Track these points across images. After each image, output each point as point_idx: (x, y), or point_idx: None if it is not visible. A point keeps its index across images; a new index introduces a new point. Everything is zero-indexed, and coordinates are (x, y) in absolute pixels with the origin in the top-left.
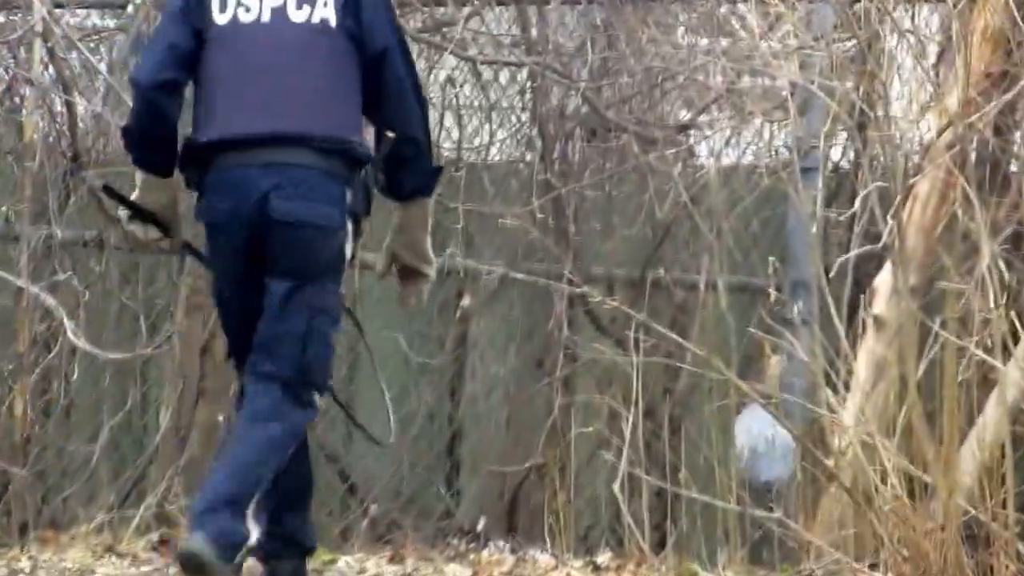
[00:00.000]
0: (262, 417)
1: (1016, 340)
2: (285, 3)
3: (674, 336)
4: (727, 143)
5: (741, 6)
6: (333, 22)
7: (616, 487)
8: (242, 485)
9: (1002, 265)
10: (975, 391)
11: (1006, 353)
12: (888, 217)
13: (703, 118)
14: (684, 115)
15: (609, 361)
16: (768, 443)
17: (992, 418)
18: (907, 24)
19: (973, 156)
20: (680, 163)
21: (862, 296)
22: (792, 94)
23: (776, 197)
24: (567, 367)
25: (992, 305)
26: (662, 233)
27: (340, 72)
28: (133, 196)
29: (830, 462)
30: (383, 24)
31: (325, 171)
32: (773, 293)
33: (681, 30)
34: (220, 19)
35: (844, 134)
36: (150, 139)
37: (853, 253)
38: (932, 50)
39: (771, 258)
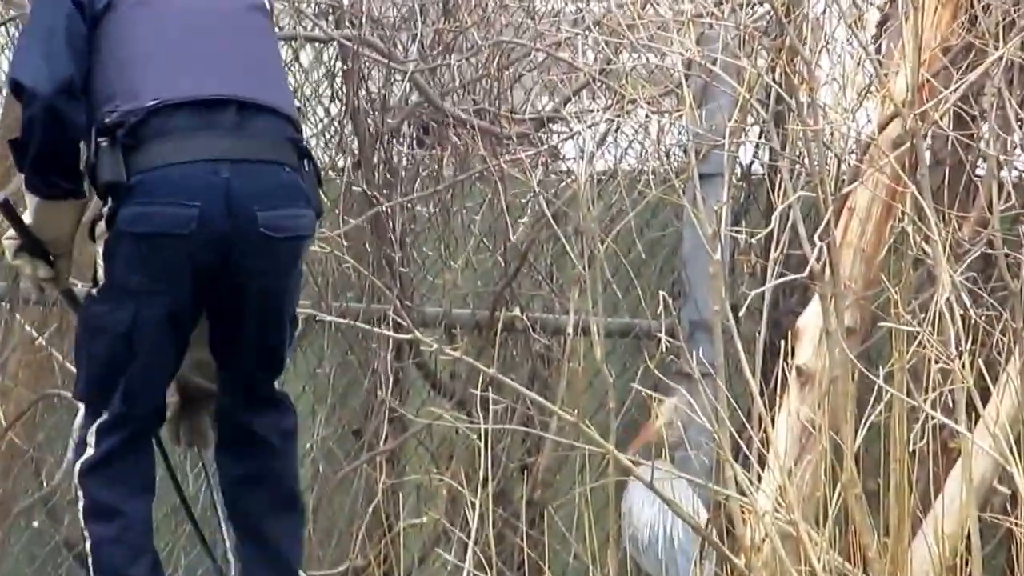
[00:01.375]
0: None
1: (985, 398)
2: None
3: (534, 395)
4: (602, 141)
5: None
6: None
7: None
8: None
9: (966, 299)
10: (931, 465)
11: (972, 414)
12: (815, 237)
13: (570, 108)
14: (545, 105)
15: (448, 429)
16: (660, 532)
17: (954, 501)
18: None
19: (927, 156)
20: (540, 168)
21: (782, 341)
22: (687, 77)
23: (667, 213)
24: (393, 438)
25: (953, 352)
26: (517, 261)
27: (274, 50)
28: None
29: (740, 561)
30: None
31: (290, 165)
32: (664, 338)
33: None
34: None
35: (756, 129)
36: (56, 156)
37: (769, 285)
38: (872, 18)
39: (661, 292)
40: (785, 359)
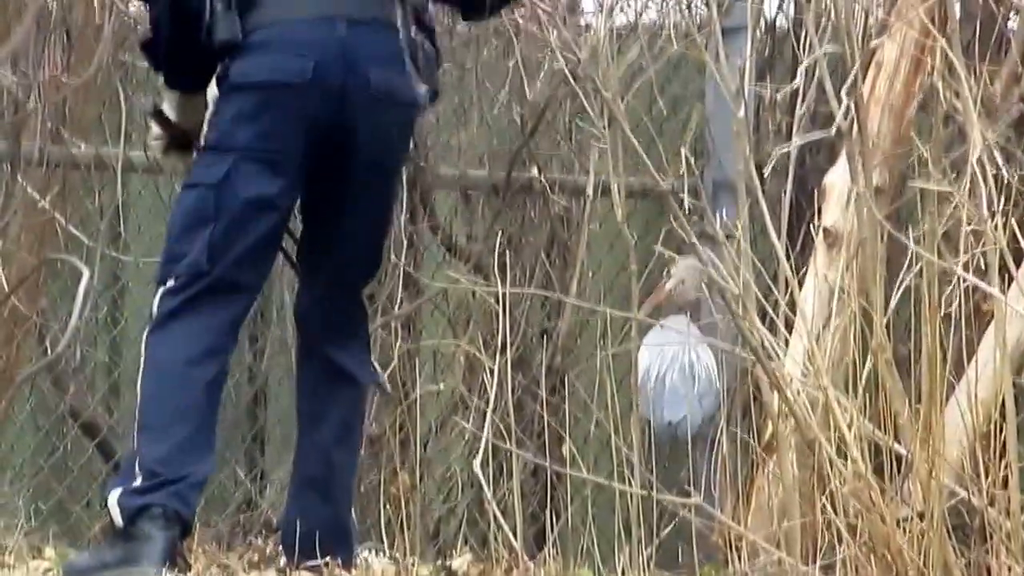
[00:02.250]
0: None
1: (1018, 260)
2: None
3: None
4: None
5: None
6: None
7: (477, 464)
8: None
9: (999, 157)
10: (964, 329)
11: (1005, 277)
12: (842, 93)
13: None
14: None
15: (464, 294)
16: (681, 374)
17: (987, 366)
18: None
19: (957, 7)
20: (558, 22)
21: (808, 201)
22: None
23: (689, 68)
24: (408, 302)
25: (985, 212)
26: (535, 119)
27: None
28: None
29: (767, 428)
30: None
31: (401, 27)
32: (687, 199)
33: None
34: None
35: None
36: (183, 50)
37: (795, 143)
38: None
39: (684, 151)
40: (812, 220)
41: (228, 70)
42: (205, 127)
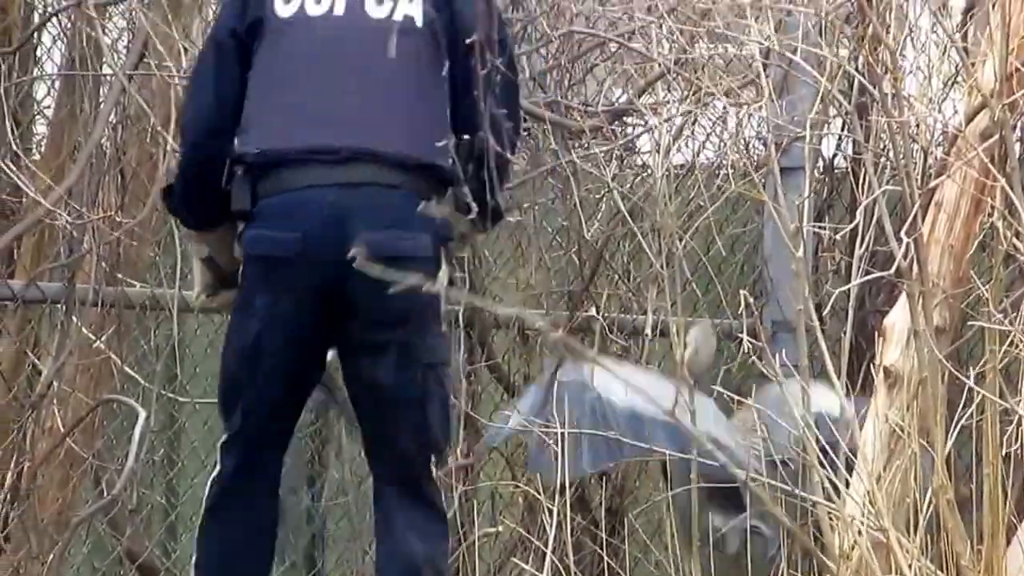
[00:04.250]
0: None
1: None
2: None
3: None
4: (678, 134)
5: None
6: (419, 20)
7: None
8: None
9: None
10: None
11: None
12: (902, 233)
13: (645, 100)
14: (619, 97)
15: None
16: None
17: None
18: None
19: (1017, 148)
20: (615, 162)
21: (868, 341)
22: (766, 67)
23: (748, 208)
24: (467, 444)
25: None
26: (593, 259)
27: (424, 77)
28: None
29: (830, 567)
30: (477, 15)
31: (409, 191)
32: (746, 339)
33: None
34: (283, 10)
35: (839, 121)
36: (209, 196)
37: (854, 283)
38: (957, 5)
39: (742, 291)
40: (871, 360)
41: (242, 236)
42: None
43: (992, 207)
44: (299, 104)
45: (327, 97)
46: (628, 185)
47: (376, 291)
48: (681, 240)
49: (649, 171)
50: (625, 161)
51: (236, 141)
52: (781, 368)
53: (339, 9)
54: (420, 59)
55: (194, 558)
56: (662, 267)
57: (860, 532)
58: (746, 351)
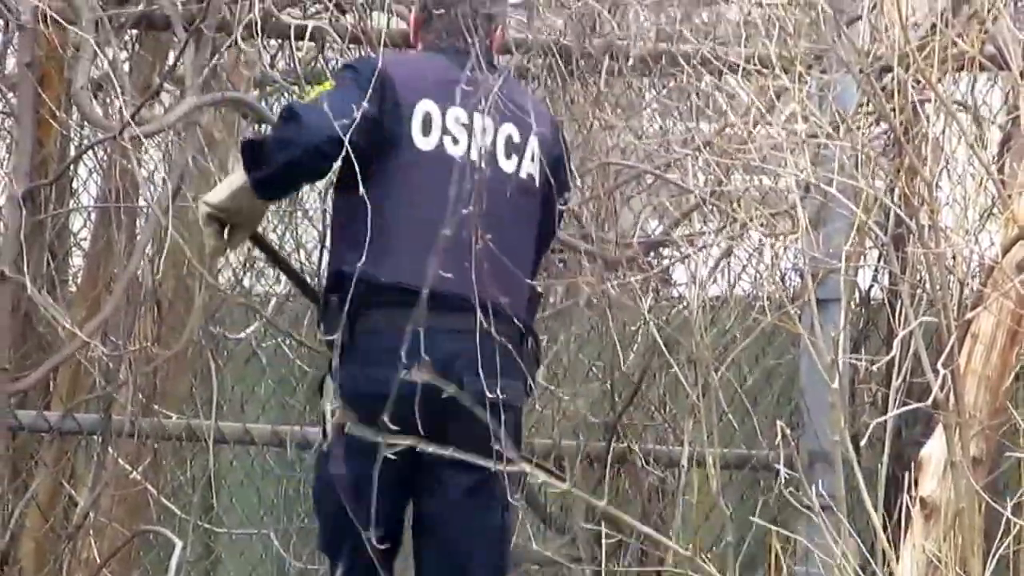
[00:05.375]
0: None
1: None
2: (495, 147)
3: (649, 530)
4: (715, 266)
5: (730, 78)
6: (537, 180)
7: None
8: None
9: None
10: None
11: None
12: (939, 365)
13: (680, 232)
14: (655, 228)
15: (561, 566)
16: None
17: None
18: (958, 99)
19: None
20: (651, 293)
21: (905, 473)
22: (803, 198)
23: (784, 339)
24: None
25: None
26: (628, 390)
27: (530, 234)
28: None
29: None
30: (566, 183)
31: (508, 340)
32: (783, 470)
33: (648, 112)
34: (422, 142)
35: (875, 253)
36: (293, 184)
37: (891, 414)
38: (993, 137)
39: (779, 422)
40: (909, 491)
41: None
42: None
43: None
44: (432, 246)
45: (459, 245)
46: (664, 316)
47: (473, 432)
48: (716, 371)
49: (685, 302)
50: (661, 293)
51: (361, 262)
52: (817, 499)
53: (475, 154)
54: (531, 215)
55: None
56: (698, 398)
57: None
58: (782, 482)
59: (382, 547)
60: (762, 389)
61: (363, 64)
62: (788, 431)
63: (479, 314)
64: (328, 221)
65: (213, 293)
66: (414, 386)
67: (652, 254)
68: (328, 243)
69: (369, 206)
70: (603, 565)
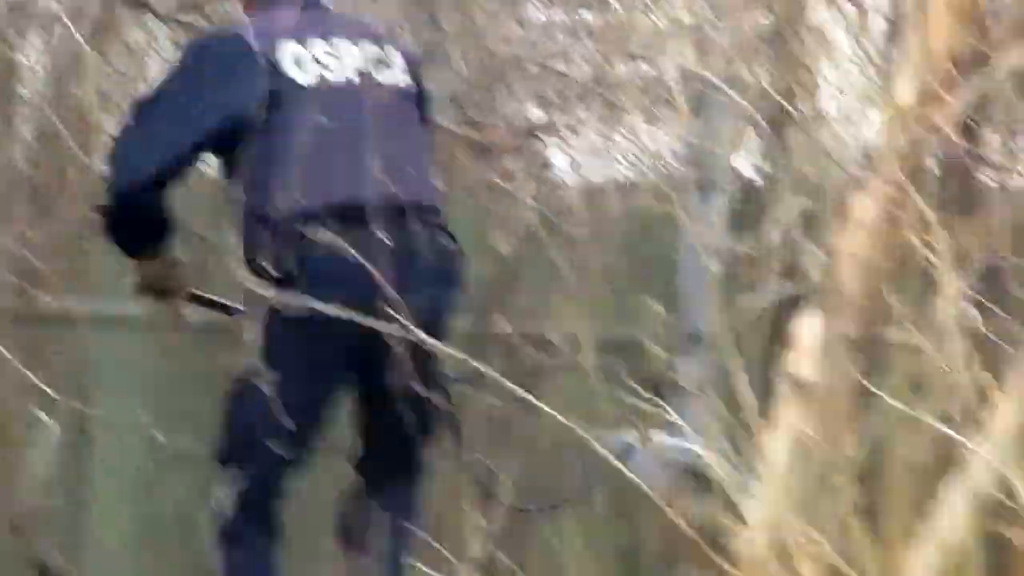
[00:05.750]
0: None
1: (989, 408)
2: (368, 65)
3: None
4: (595, 152)
5: None
6: (411, 86)
7: None
8: None
9: (971, 309)
10: (932, 477)
11: (976, 426)
12: (816, 248)
13: (561, 119)
14: (536, 115)
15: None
16: None
17: (954, 512)
18: None
19: (932, 163)
20: (531, 179)
21: (780, 354)
22: (684, 86)
23: (663, 224)
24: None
25: (956, 363)
26: (506, 274)
27: (423, 137)
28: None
29: (736, 574)
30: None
31: (440, 247)
32: (659, 351)
33: (533, 1)
34: (302, 78)
35: (756, 139)
36: (147, 232)
37: (766, 296)
38: (876, 26)
39: (656, 305)
40: (782, 372)
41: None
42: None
43: (907, 223)
44: (336, 167)
45: (362, 159)
46: (543, 201)
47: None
48: (596, 255)
49: (564, 187)
50: (540, 178)
51: (263, 202)
52: (691, 379)
53: (355, 77)
54: (417, 121)
55: None
56: (575, 281)
57: (763, 538)
58: (657, 363)
59: (298, 458)
60: (642, 272)
61: (211, 41)
62: (666, 313)
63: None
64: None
65: (89, 176)
66: (358, 303)
67: (533, 141)
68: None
69: (275, 151)
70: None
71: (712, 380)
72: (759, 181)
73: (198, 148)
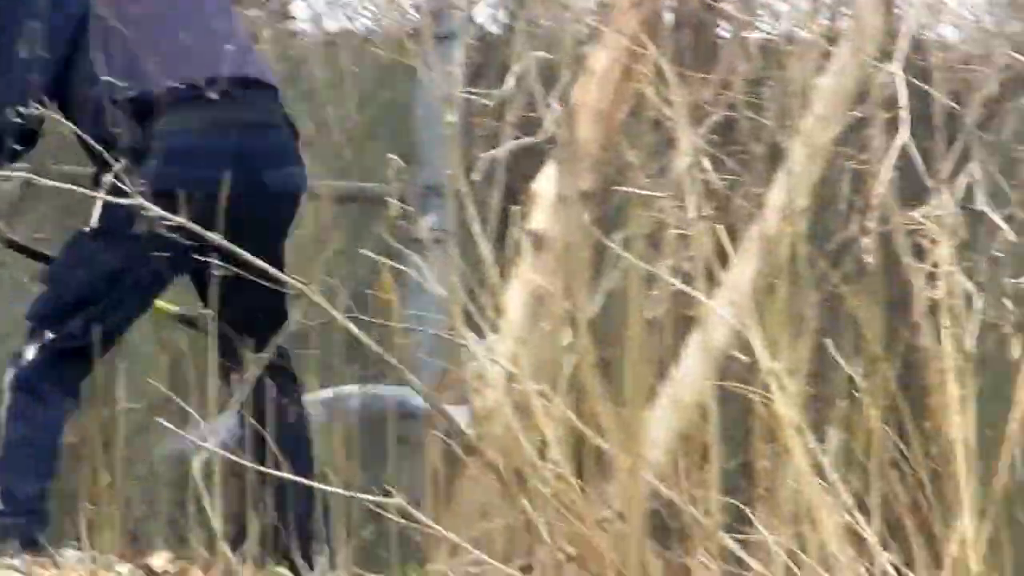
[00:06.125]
0: None
1: (725, 265)
2: None
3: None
4: (333, 1)
5: None
6: None
7: (161, 455)
8: None
9: (707, 163)
10: (669, 333)
11: (712, 282)
12: (551, 99)
13: None
14: None
15: None
16: None
17: (692, 370)
18: None
19: (668, 15)
20: (269, 28)
21: (517, 207)
22: None
23: (400, 75)
24: None
25: (692, 217)
26: None
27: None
28: None
29: (470, 429)
30: None
31: (293, 124)
32: (395, 203)
33: None
34: None
35: None
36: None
37: (504, 148)
38: None
39: (392, 156)
40: (519, 225)
41: (130, 172)
42: (98, 207)
43: (642, 74)
44: (182, 45)
45: (205, 37)
46: (281, 50)
47: (274, 224)
48: (333, 105)
49: (302, 36)
50: (277, 27)
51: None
52: (430, 232)
53: None
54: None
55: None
56: (311, 131)
57: (502, 393)
58: (396, 215)
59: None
60: (378, 123)
61: None
62: (402, 164)
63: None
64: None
65: None
66: (201, 181)
67: None
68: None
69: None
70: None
71: (451, 234)
72: (497, 32)
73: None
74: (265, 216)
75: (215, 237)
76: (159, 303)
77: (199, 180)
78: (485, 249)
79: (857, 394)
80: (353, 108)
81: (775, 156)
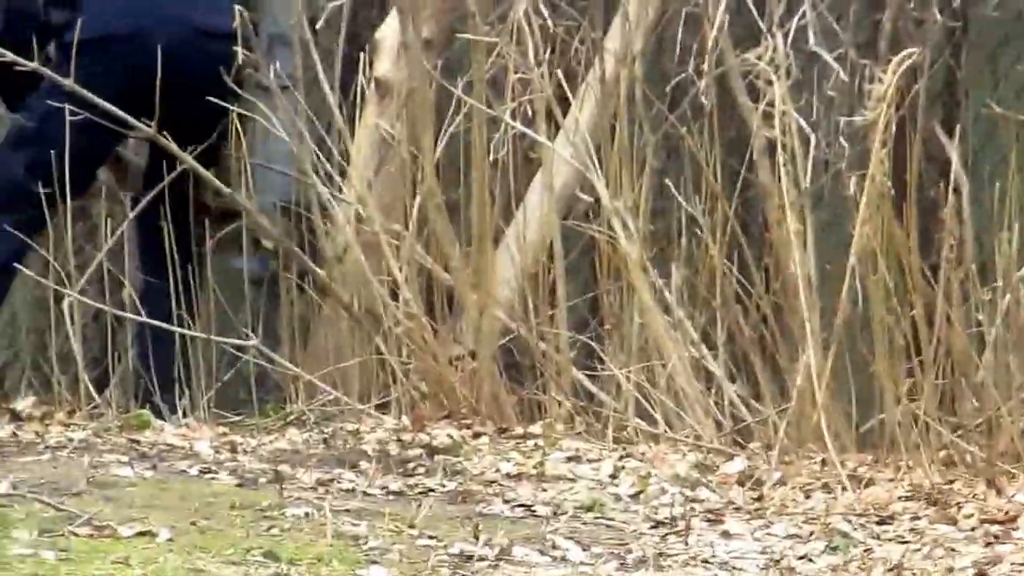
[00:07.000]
0: None
1: (565, 107)
2: None
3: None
4: None
5: None
6: None
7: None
8: None
9: (544, 9)
10: (514, 174)
11: (552, 124)
12: None
13: None
14: None
15: None
16: None
17: (536, 209)
18: None
19: None
20: None
21: (361, 54)
22: None
23: None
24: None
25: (532, 62)
26: None
27: None
28: None
29: (322, 272)
30: None
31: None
32: (241, 51)
33: None
34: None
35: None
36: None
37: None
38: None
39: (236, 6)
40: (364, 72)
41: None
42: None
43: None
44: None
45: None
46: None
47: (204, 67)
48: None
49: None
50: None
51: None
52: (275, 79)
53: None
54: None
55: None
56: None
57: (351, 236)
58: (241, 63)
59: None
60: None
61: None
62: (248, 13)
63: None
64: None
65: None
66: (134, 24)
67: None
68: None
69: None
70: None
71: (297, 80)
72: None
73: None
74: (191, 60)
75: None
76: None
77: (121, 23)
78: (331, 96)
79: (699, 232)
80: None
81: (612, 1)
